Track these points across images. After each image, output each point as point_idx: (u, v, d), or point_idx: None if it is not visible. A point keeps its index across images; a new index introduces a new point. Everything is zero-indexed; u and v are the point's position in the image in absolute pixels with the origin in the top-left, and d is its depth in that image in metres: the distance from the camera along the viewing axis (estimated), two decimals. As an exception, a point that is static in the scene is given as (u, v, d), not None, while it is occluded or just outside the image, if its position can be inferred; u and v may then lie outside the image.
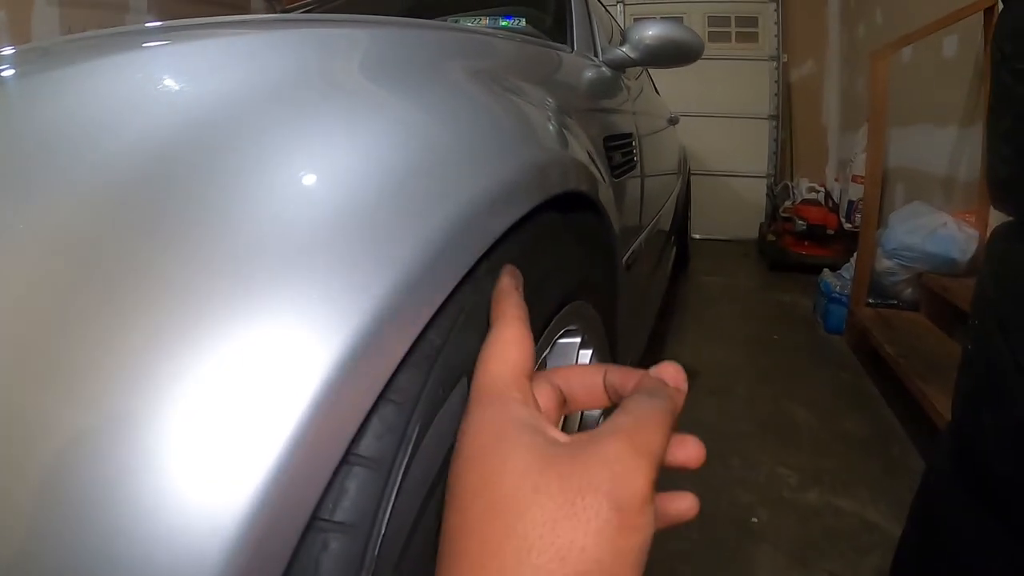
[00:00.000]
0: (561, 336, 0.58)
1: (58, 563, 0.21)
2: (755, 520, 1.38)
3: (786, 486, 1.51)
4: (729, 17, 4.54)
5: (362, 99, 0.38)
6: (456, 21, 1.46)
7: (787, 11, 4.46)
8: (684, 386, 0.31)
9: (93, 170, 0.28)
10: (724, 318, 2.84)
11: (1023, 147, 0.67)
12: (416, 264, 0.29)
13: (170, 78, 0.33)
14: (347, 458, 0.27)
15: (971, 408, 0.76)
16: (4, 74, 0.34)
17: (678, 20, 4.48)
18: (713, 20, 4.55)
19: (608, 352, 0.77)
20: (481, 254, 0.35)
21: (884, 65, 2.18)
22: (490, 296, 0.35)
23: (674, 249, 2.73)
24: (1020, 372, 0.65)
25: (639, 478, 0.25)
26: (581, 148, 0.66)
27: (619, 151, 1.00)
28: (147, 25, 0.41)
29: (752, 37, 4.53)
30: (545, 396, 0.32)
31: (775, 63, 4.46)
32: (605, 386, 0.33)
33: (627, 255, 1.04)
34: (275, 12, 5.27)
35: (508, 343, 0.31)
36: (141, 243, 0.26)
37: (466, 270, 0.33)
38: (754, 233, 4.34)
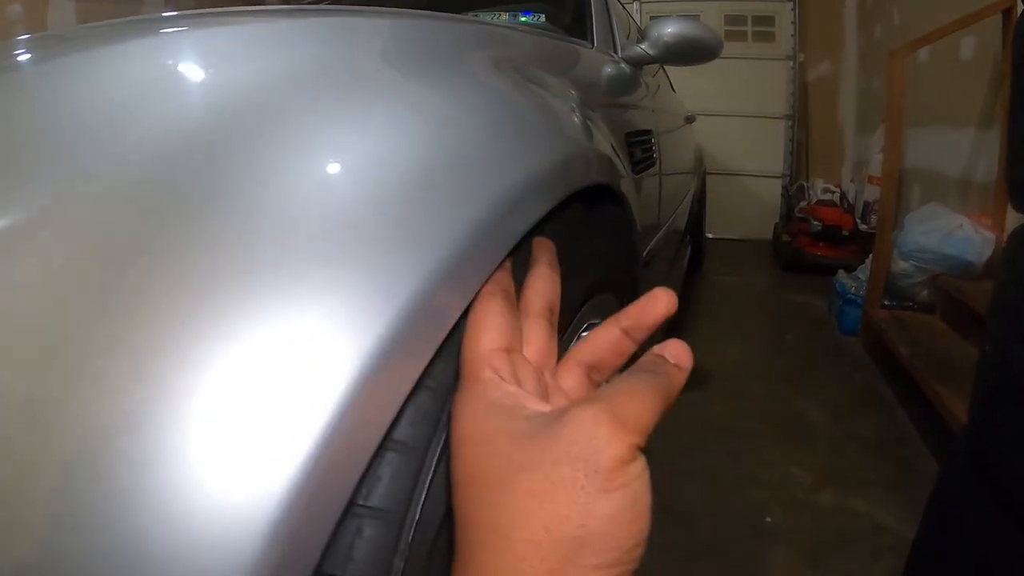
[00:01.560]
0: (585, 330, 0.58)
1: (95, 547, 0.21)
2: (769, 519, 1.37)
3: (800, 486, 1.50)
4: (746, 16, 4.51)
5: (391, 90, 0.37)
6: (475, 16, 1.46)
7: (804, 11, 4.42)
8: (686, 363, 0.30)
9: (116, 160, 0.28)
10: (738, 318, 2.83)
11: None
12: (450, 256, 0.29)
13: (194, 65, 0.33)
14: (383, 444, 0.27)
15: (988, 412, 0.76)
16: (23, 59, 0.34)
17: (695, 18, 4.47)
18: (730, 19, 4.52)
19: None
20: (512, 246, 0.35)
21: (901, 65, 2.16)
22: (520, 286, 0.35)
23: (688, 248, 2.72)
24: None
25: (616, 442, 0.24)
26: (604, 140, 0.66)
27: (640, 147, 1.00)
28: (165, 15, 0.41)
29: (769, 36, 4.49)
30: (574, 378, 0.32)
31: (791, 63, 4.43)
32: (625, 334, 0.33)
33: (645, 252, 1.04)
34: (292, 3, 5.29)
35: (477, 323, 0.31)
36: (173, 233, 0.26)
37: (497, 263, 0.33)
38: (769, 233, 4.31)
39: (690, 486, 1.49)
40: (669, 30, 1.31)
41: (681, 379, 0.29)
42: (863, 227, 3.46)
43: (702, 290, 3.24)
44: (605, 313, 0.58)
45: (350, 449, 0.25)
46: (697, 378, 2.06)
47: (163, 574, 0.21)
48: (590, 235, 0.53)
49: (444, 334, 0.29)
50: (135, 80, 0.31)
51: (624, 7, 2.43)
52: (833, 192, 3.94)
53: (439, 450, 0.29)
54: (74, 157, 0.27)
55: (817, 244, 3.54)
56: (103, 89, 0.30)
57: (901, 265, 2.36)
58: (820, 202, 3.76)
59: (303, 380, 0.24)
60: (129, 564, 0.21)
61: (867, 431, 1.78)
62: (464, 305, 0.31)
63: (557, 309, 0.36)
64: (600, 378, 0.34)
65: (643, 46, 1.31)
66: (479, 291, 0.32)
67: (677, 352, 0.30)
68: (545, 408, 0.28)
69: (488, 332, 0.30)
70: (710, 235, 4.49)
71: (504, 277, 0.34)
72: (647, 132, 1.13)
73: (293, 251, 0.26)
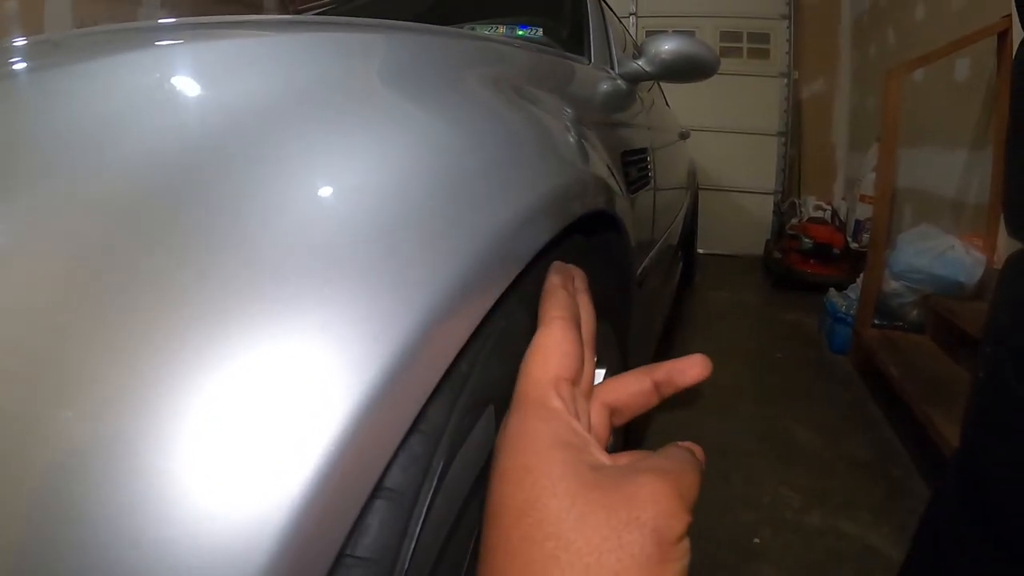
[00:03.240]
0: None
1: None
2: (757, 541, 1.36)
3: (789, 507, 1.49)
4: (741, 33, 4.54)
5: (385, 114, 0.36)
6: (472, 28, 1.45)
7: (799, 28, 4.46)
8: (703, 459, 0.32)
9: (107, 173, 0.26)
10: (729, 336, 2.83)
11: None
12: (447, 291, 0.28)
13: (188, 79, 0.32)
14: (373, 492, 0.26)
15: (980, 437, 0.75)
16: (16, 67, 0.33)
17: (691, 34, 4.49)
18: (725, 35, 4.55)
19: (619, 369, 0.76)
20: (511, 281, 0.34)
21: (898, 85, 2.18)
22: (517, 323, 0.34)
23: (680, 264, 2.72)
24: None
25: (679, 520, 0.25)
26: (601, 163, 0.66)
27: (635, 166, 0.99)
28: (160, 22, 0.39)
29: (763, 53, 4.53)
30: (597, 416, 0.32)
31: (786, 80, 4.46)
32: (656, 387, 0.33)
33: (639, 271, 1.03)
34: (288, 12, 5.29)
35: (549, 347, 0.30)
36: (157, 249, 0.24)
37: (496, 298, 0.32)
38: (760, 249, 4.33)
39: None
40: (666, 47, 1.31)
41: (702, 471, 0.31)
42: (854, 245, 3.48)
43: (693, 305, 3.24)
44: (598, 339, 0.57)
45: (341, 496, 0.24)
46: (687, 395, 2.06)
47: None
48: (588, 263, 0.52)
49: (439, 375, 0.28)
50: (132, 93, 0.30)
51: (621, 21, 2.45)
52: (825, 210, 3.96)
53: (429, 497, 0.28)
54: (65, 170, 0.26)
55: (808, 262, 3.55)
56: (99, 102, 0.29)
57: (892, 285, 2.36)
58: (811, 219, 3.78)
59: (293, 427, 0.22)
60: None
61: (856, 451, 1.78)
62: (458, 347, 0.30)
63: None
64: (619, 422, 0.34)
65: (640, 62, 1.31)
66: (547, 314, 0.32)
67: (699, 450, 0.31)
68: (607, 460, 0.28)
69: (558, 358, 0.30)
70: (702, 251, 4.51)
71: (570, 302, 0.33)
72: (643, 150, 1.12)
73: (286, 279, 0.25)
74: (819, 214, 3.91)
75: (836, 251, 3.49)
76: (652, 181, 1.16)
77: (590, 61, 1.24)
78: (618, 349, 0.72)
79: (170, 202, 0.26)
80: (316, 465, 0.22)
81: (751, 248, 4.45)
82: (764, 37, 4.52)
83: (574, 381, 0.30)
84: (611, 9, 2.15)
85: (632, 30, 4.55)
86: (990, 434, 0.72)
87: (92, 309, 0.23)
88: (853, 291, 2.60)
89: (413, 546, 0.27)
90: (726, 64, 4.48)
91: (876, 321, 2.39)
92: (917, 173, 3.03)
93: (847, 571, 1.30)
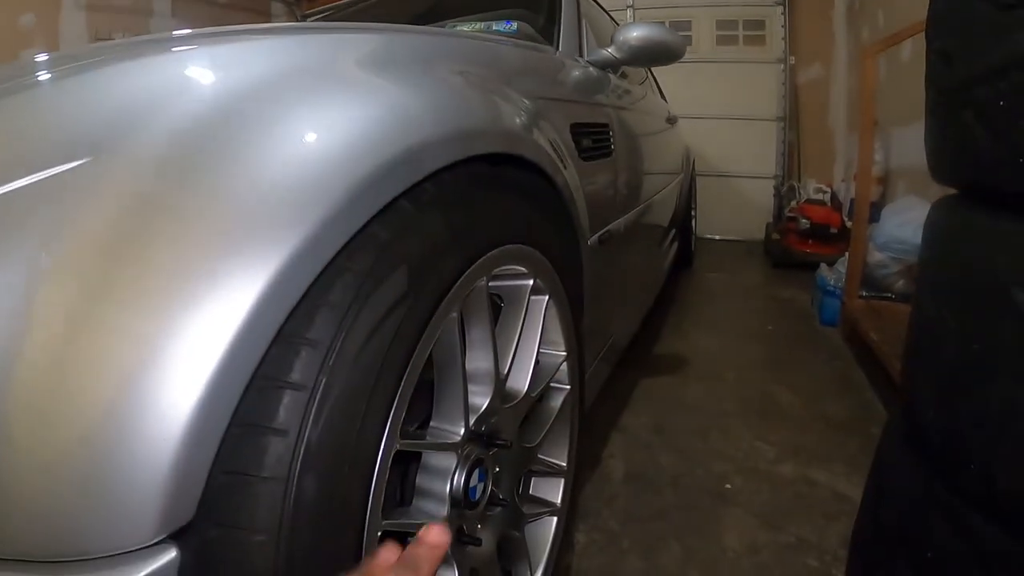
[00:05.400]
0: (512, 278, 0.70)
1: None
2: (729, 486, 1.47)
3: (763, 459, 1.59)
4: (737, 21, 4.62)
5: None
6: (455, 26, 1.59)
7: (794, 14, 4.53)
8: (441, 540, 0.42)
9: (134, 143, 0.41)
10: (722, 312, 2.92)
11: (943, 121, 0.76)
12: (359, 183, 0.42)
13: (203, 71, 0.47)
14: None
15: (908, 363, 0.84)
16: (54, 72, 0.48)
17: (685, 23, 4.59)
18: (721, 24, 4.63)
19: (568, 304, 0.88)
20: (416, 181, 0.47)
21: (873, 63, 2.26)
22: (410, 209, 0.48)
23: (675, 245, 2.82)
24: (942, 322, 0.73)
25: None
26: (530, 123, 0.78)
27: (588, 137, 1.11)
28: (175, 34, 0.55)
29: (759, 40, 4.60)
30: None
31: (782, 65, 4.53)
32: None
33: (601, 232, 1.15)
34: (296, 18, 5.46)
35: None
36: (175, 191, 0.40)
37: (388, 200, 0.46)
38: (761, 233, 4.40)
39: (658, 459, 1.59)
40: (635, 34, 1.44)
41: (439, 555, 0.41)
42: (850, 224, 3.54)
43: (690, 287, 3.33)
44: (521, 259, 0.69)
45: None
46: (673, 363, 2.17)
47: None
48: (500, 191, 0.65)
49: (351, 232, 0.42)
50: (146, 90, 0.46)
51: (610, 15, 2.55)
52: (825, 192, 4.03)
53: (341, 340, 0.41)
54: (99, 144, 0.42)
55: (806, 241, 3.63)
56: (122, 96, 0.45)
57: (877, 256, 2.45)
58: (809, 201, 3.85)
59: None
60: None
61: (835, 411, 1.86)
62: (367, 216, 0.44)
63: None
64: None
65: (610, 50, 1.44)
66: None
67: (435, 535, 0.42)
68: None
69: None
70: (707, 236, 4.60)
71: None
72: (602, 125, 1.24)
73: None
74: (819, 197, 3.98)
75: (833, 230, 3.56)
76: (613, 153, 1.27)
77: (558, 50, 1.37)
78: (563, 284, 0.84)
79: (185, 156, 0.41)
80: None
81: (753, 232, 4.52)
82: (760, 24, 4.59)
83: None
84: (598, 3, 2.27)
85: (630, 21, 4.65)
86: (914, 358, 0.81)
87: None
88: (842, 265, 2.68)
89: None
90: (723, 52, 4.60)
91: (863, 293, 2.47)
92: (909, 149, 3.09)
93: (814, 514, 1.40)
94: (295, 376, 0.40)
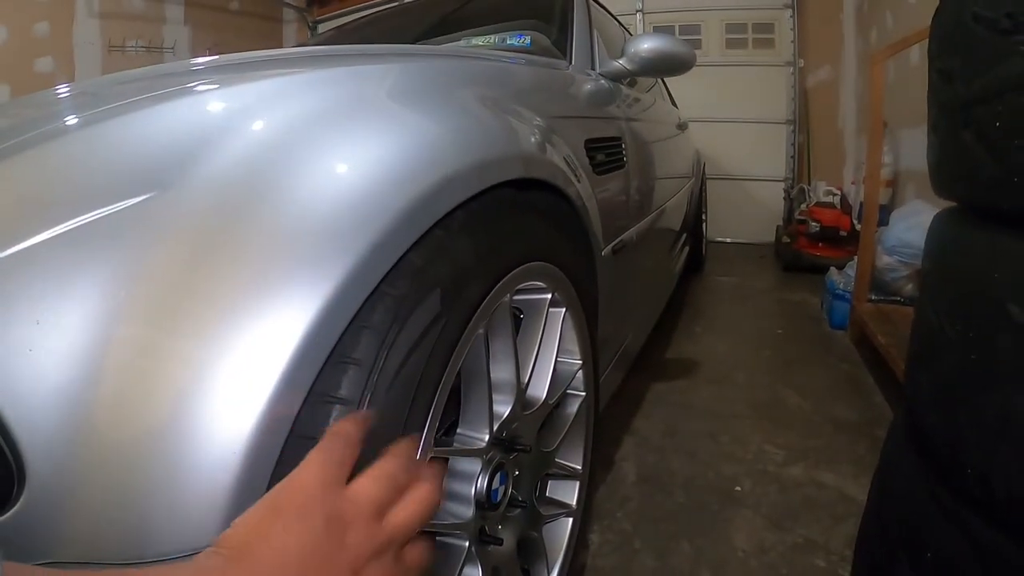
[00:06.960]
0: (532, 292, 0.74)
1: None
2: (738, 489, 1.50)
3: (772, 461, 1.63)
4: (746, 24, 4.65)
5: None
6: (468, 40, 1.63)
7: (802, 17, 4.55)
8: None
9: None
10: (732, 316, 2.95)
11: (944, 138, 0.79)
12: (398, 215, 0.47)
13: (243, 112, 0.52)
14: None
15: (911, 369, 0.86)
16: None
17: (695, 27, 4.61)
18: (730, 27, 4.66)
19: (583, 314, 0.92)
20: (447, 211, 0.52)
21: (881, 69, 2.28)
22: (441, 236, 0.53)
23: (686, 249, 2.85)
24: (942, 331, 0.76)
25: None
26: (548, 146, 0.82)
27: (602, 152, 1.14)
28: (194, 62, 0.61)
29: (768, 43, 4.63)
30: None
31: (791, 68, 4.55)
32: None
33: (614, 242, 1.18)
34: (307, 24, 5.53)
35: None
36: (232, 227, 0.44)
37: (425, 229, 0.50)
38: (771, 236, 4.42)
39: (669, 461, 1.62)
40: (646, 46, 1.47)
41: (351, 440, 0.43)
42: (860, 227, 3.56)
43: (700, 291, 3.36)
44: (541, 275, 0.74)
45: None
46: (684, 367, 2.20)
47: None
48: (523, 214, 0.69)
49: (390, 264, 0.46)
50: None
51: (620, 22, 2.59)
52: (835, 195, 4.04)
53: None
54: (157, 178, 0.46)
55: (816, 245, 3.65)
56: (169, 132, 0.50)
57: (886, 260, 2.47)
58: (819, 204, 3.87)
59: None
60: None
61: (844, 415, 1.89)
62: (406, 246, 0.48)
63: None
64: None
65: (621, 62, 1.47)
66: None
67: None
68: None
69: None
70: (718, 239, 4.62)
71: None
72: (615, 139, 1.28)
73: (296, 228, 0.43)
74: (829, 199, 3.99)
75: (843, 233, 3.59)
76: (626, 165, 1.31)
77: (571, 63, 1.40)
78: (579, 296, 0.88)
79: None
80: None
81: (763, 235, 4.54)
82: (769, 27, 4.62)
83: None
84: (607, 10, 2.30)
85: (639, 26, 4.69)
86: (916, 364, 0.84)
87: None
88: (852, 268, 2.70)
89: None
90: (732, 55, 4.62)
91: (873, 296, 2.49)
92: (918, 153, 3.09)
93: (822, 515, 1.43)
94: (343, 392, 0.44)
